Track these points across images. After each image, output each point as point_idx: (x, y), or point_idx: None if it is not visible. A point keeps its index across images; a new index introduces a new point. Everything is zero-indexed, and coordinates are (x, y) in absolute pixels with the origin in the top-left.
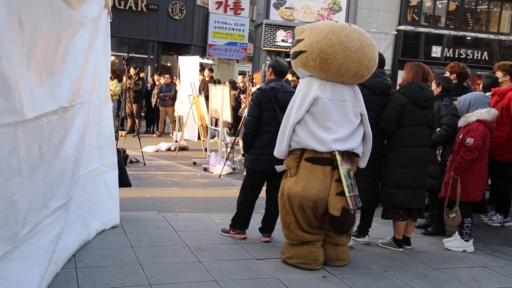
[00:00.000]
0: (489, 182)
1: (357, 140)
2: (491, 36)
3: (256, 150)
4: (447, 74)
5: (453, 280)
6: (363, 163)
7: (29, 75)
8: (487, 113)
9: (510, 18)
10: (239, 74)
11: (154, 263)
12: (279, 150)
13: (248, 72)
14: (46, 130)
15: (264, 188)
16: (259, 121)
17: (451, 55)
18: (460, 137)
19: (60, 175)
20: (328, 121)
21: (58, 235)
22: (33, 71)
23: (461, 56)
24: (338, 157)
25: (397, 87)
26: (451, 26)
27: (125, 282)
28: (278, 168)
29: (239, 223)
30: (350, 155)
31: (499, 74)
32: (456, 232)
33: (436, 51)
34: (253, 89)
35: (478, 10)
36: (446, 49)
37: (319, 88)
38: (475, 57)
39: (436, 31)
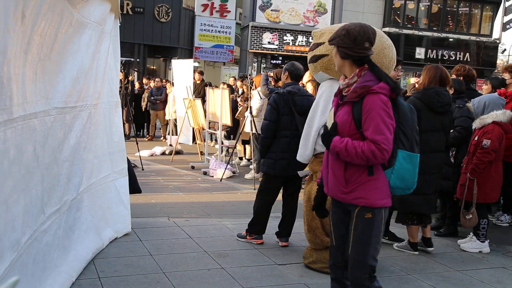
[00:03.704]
0: None
1: None
2: (472, 38)
3: (274, 155)
4: (453, 77)
5: (477, 282)
6: None
7: (24, 72)
8: (502, 114)
9: (490, 20)
10: (239, 78)
11: (177, 271)
12: (304, 155)
13: (250, 75)
14: (39, 132)
15: (280, 192)
16: (277, 125)
17: (434, 57)
18: (476, 138)
19: (56, 180)
20: None
21: (47, 243)
22: (28, 68)
23: (444, 57)
24: None
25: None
26: (433, 28)
27: None
28: (301, 173)
29: (256, 228)
30: None
31: (506, 75)
32: (471, 233)
33: (419, 52)
34: (253, 92)
35: (460, 12)
36: (428, 50)
37: None
38: (457, 58)
39: (419, 33)
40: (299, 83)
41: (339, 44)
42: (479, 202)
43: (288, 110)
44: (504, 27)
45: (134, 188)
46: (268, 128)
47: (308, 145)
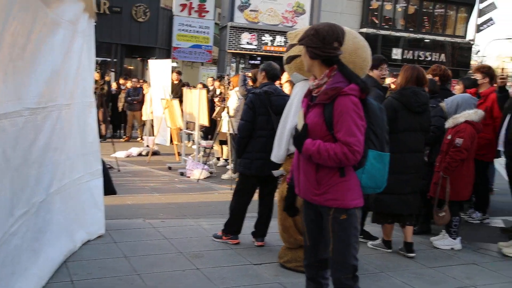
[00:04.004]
0: None
1: None
2: (447, 39)
3: (250, 155)
4: (430, 77)
5: (449, 278)
6: None
7: None
8: (474, 114)
9: (465, 21)
10: (216, 78)
11: (151, 273)
12: (278, 155)
13: (227, 75)
14: (10, 133)
15: (256, 192)
16: (253, 125)
17: (410, 57)
18: (449, 137)
19: (25, 181)
20: None
21: (16, 246)
22: None
23: (420, 58)
24: None
25: None
26: (409, 29)
27: None
28: (275, 173)
29: (232, 228)
30: None
31: (478, 76)
32: (443, 230)
33: (396, 53)
34: (231, 93)
35: (435, 13)
36: (405, 51)
37: None
38: (432, 59)
39: (396, 34)
40: (277, 83)
41: (308, 44)
42: (451, 200)
43: (264, 110)
44: (478, 29)
45: (109, 189)
46: (244, 128)
47: (281, 145)
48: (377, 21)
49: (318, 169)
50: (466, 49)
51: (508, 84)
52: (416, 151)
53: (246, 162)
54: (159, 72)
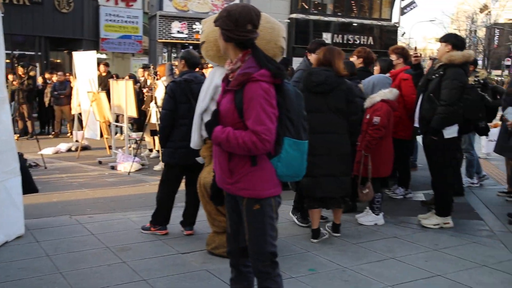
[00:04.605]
0: None
1: None
2: (374, 22)
3: (173, 144)
4: (354, 58)
5: (371, 253)
6: None
7: None
8: (389, 93)
9: (390, 5)
10: (142, 67)
11: (75, 269)
12: (193, 141)
13: (152, 65)
14: None
15: (183, 181)
16: (175, 114)
17: (340, 41)
18: (367, 117)
19: None
20: None
21: None
22: None
23: (349, 42)
24: None
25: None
26: (338, 14)
27: None
28: (199, 160)
29: (160, 218)
30: None
31: (393, 57)
32: (367, 207)
33: (326, 37)
34: (158, 83)
35: None
36: (335, 35)
37: (221, 76)
38: (361, 42)
39: (325, 18)
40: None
41: (222, 26)
42: (373, 177)
43: (185, 98)
44: (402, 12)
45: (30, 187)
46: (165, 117)
47: (194, 131)
48: (307, 7)
49: (231, 158)
50: (392, 31)
51: (427, 64)
52: (323, 133)
53: (170, 151)
54: (84, 65)
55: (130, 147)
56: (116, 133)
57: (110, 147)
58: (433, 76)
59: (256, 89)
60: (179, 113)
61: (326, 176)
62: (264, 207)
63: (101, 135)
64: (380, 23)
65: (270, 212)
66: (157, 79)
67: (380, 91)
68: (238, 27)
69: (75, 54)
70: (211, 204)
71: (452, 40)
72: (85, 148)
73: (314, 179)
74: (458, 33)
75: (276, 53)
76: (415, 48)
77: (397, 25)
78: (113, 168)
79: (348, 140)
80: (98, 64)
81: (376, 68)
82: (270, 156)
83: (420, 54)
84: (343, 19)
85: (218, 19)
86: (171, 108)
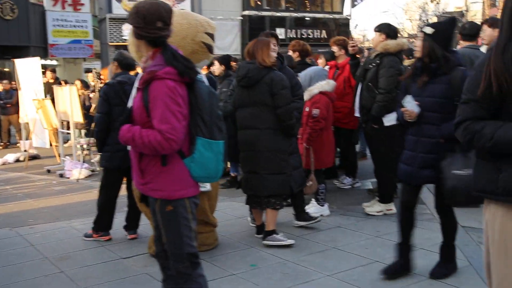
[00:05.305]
0: (338, 150)
1: None
2: (327, 16)
3: (110, 147)
4: (290, 52)
5: (313, 244)
6: None
7: None
8: (326, 84)
9: None
10: (85, 72)
11: (11, 283)
12: None
13: (95, 69)
14: None
15: (124, 185)
16: (109, 117)
17: (294, 36)
18: (307, 109)
19: None
20: None
21: None
22: None
23: (303, 36)
24: None
25: None
26: (291, 9)
27: None
28: None
29: (102, 224)
30: None
31: (335, 48)
32: (312, 199)
33: (280, 33)
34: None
35: None
36: (289, 30)
37: None
38: (315, 36)
39: (278, 14)
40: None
41: (132, 24)
42: (316, 169)
43: (119, 100)
44: (353, 4)
45: None
46: (100, 121)
47: None
48: (260, 3)
49: (141, 158)
50: (344, 24)
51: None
52: (244, 128)
53: (107, 155)
54: (28, 72)
55: (78, 153)
56: (67, 140)
57: (59, 155)
58: (370, 66)
59: (160, 87)
60: (114, 116)
61: (249, 173)
62: (177, 208)
63: (51, 144)
64: (332, 16)
65: (184, 213)
66: (101, 83)
67: (317, 83)
68: (147, 24)
69: (17, 61)
70: (144, 205)
71: (386, 30)
72: (34, 157)
73: (244, 176)
74: (410, 23)
75: (195, 49)
76: (352, 37)
77: (348, 17)
78: (61, 176)
79: (274, 136)
80: (45, 71)
81: (321, 61)
82: (183, 156)
83: (357, 44)
84: (296, 14)
85: (129, 16)
86: (105, 111)
